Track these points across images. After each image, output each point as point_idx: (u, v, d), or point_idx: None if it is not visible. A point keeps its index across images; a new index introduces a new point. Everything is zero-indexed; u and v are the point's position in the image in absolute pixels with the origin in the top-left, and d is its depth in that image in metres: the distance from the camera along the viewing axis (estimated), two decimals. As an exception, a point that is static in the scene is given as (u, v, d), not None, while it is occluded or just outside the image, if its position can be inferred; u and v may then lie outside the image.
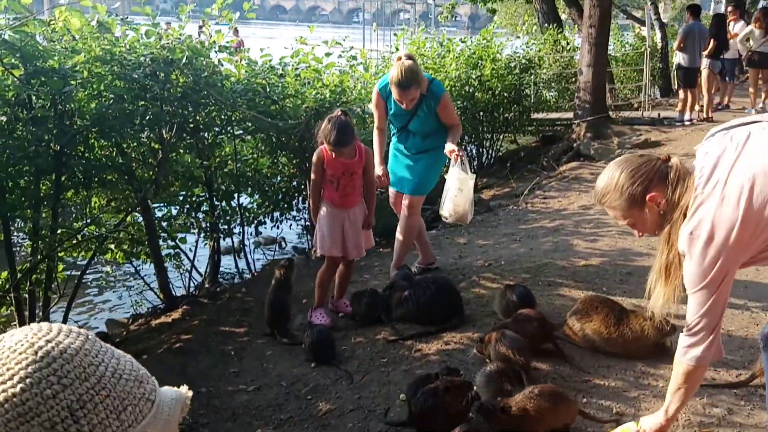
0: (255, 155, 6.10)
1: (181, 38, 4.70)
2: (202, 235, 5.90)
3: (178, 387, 1.12)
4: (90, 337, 1.01)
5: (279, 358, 3.85)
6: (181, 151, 5.27)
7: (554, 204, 6.84)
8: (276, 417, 3.24)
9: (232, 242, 6.18)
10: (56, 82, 3.86)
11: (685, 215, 1.95)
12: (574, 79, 10.58)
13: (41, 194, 4.30)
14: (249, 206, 6.21)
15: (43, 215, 4.34)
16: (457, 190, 4.17)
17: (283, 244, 7.28)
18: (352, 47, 7.10)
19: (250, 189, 6.03)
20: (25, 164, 4.04)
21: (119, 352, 1.04)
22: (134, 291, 6.08)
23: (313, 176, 4.03)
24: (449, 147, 4.17)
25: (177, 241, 5.61)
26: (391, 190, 4.61)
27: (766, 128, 1.96)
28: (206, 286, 5.83)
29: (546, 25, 13.20)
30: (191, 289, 5.75)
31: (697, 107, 10.05)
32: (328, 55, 6.16)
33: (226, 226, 5.91)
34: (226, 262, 6.38)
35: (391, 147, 4.58)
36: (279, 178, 6.32)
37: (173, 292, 5.54)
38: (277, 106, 5.53)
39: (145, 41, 4.59)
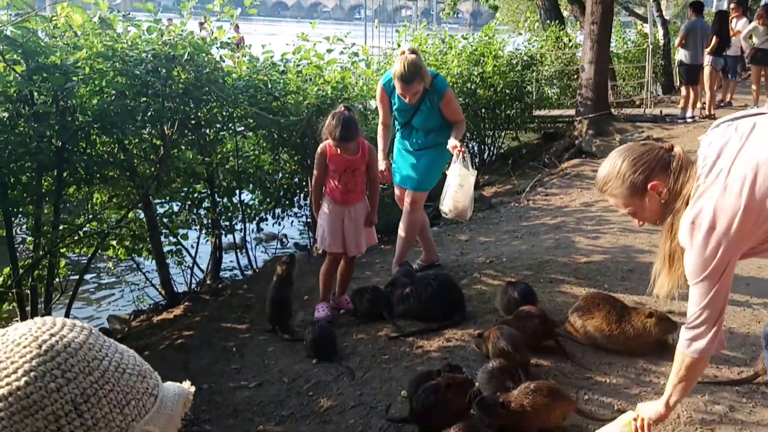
0: (256, 152, 6.09)
1: (183, 34, 4.70)
2: (204, 231, 5.90)
3: (181, 383, 1.13)
4: (93, 331, 1.01)
5: (280, 354, 3.86)
6: (183, 147, 5.26)
7: (556, 201, 6.84)
8: (277, 413, 3.24)
9: (234, 239, 6.18)
10: (58, 78, 3.85)
11: (687, 204, 1.94)
12: (576, 76, 10.56)
13: (43, 190, 4.30)
14: (250, 203, 6.20)
15: (45, 211, 4.34)
16: (458, 186, 4.18)
17: (284, 240, 7.29)
18: (354, 44, 7.08)
19: (251, 185, 6.03)
20: (26, 160, 4.04)
21: (122, 347, 1.04)
22: (136, 287, 6.08)
23: (315, 171, 4.03)
24: (452, 143, 4.18)
25: (179, 237, 5.61)
26: (396, 186, 4.62)
27: None
28: (208, 282, 5.83)
29: (548, 22, 13.18)
30: (193, 286, 5.76)
31: (699, 104, 10.04)
32: (329, 51, 6.15)
33: (227, 223, 5.91)
34: (228, 259, 6.38)
35: (396, 143, 4.59)
36: (280, 175, 6.32)
37: (175, 289, 5.54)
38: (278, 102, 5.52)
39: (146, 37, 4.59)
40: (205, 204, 5.74)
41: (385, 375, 3.37)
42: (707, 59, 9.84)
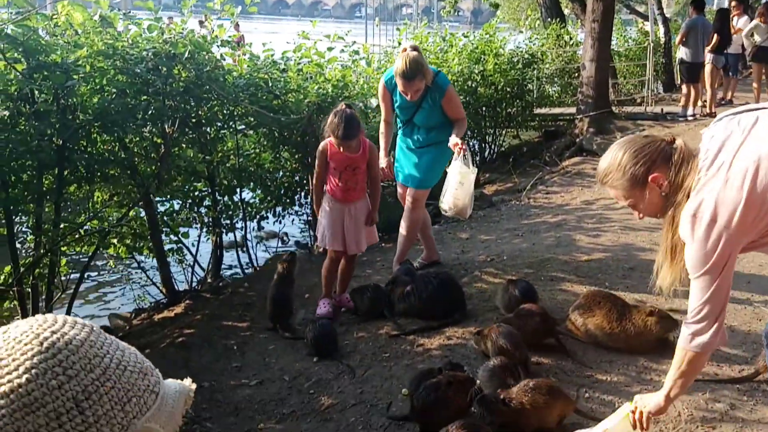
0: (257, 150, 6.09)
1: (184, 33, 4.69)
2: (205, 229, 5.90)
3: (182, 380, 1.13)
4: (95, 328, 1.01)
5: (281, 352, 3.86)
6: (184, 145, 5.26)
7: (557, 199, 6.84)
8: (278, 411, 3.24)
9: (235, 237, 6.18)
10: (59, 76, 3.85)
11: (688, 197, 1.94)
12: (576, 74, 10.55)
13: (44, 188, 4.30)
14: (251, 201, 6.20)
15: (46, 210, 4.34)
16: (458, 183, 4.18)
17: (285, 239, 7.29)
18: (355, 42, 7.08)
19: (252, 184, 6.03)
20: (27, 158, 4.04)
21: (124, 344, 1.04)
22: (137, 285, 6.08)
23: (316, 169, 4.04)
24: (453, 140, 4.18)
25: (179, 235, 5.61)
26: (399, 184, 4.63)
27: None
28: (209, 280, 5.83)
29: (549, 19, 13.16)
30: (194, 284, 5.76)
31: (700, 102, 10.02)
32: (330, 49, 6.15)
33: (228, 221, 5.91)
34: (229, 257, 6.38)
35: (398, 141, 4.59)
36: (281, 173, 6.31)
37: (176, 287, 5.54)
38: (279, 100, 5.52)
39: (147, 36, 4.58)
40: (206, 202, 5.74)
41: (385, 373, 3.38)
42: (708, 57, 9.83)
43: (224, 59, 5.27)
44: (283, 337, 4.03)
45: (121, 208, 5.07)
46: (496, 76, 9.05)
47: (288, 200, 6.38)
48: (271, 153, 6.11)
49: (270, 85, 5.51)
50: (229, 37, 5.24)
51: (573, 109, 10.02)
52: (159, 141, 4.92)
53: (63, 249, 4.67)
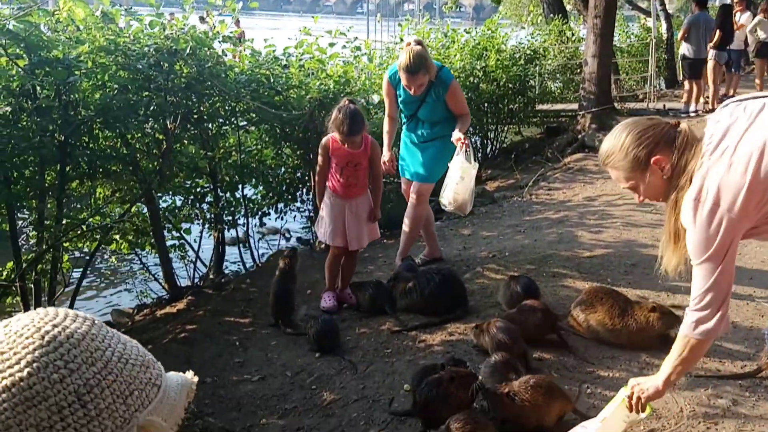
0: (259, 146, 6.09)
1: (185, 28, 4.69)
2: (207, 226, 5.90)
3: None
4: (96, 322, 1.01)
5: (283, 348, 3.87)
6: (186, 141, 5.26)
7: (559, 195, 6.83)
8: (281, 406, 3.25)
9: (237, 233, 6.18)
10: (60, 72, 3.85)
11: (691, 181, 1.92)
12: (579, 70, 10.53)
13: (46, 184, 4.31)
14: (253, 197, 6.20)
15: (48, 205, 4.34)
16: (459, 178, 4.17)
17: (287, 235, 7.29)
18: (357, 38, 7.07)
19: (254, 180, 6.03)
20: (29, 154, 4.04)
21: (125, 338, 1.04)
22: (139, 281, 6.09)
23: (319, 164, 4.04)
24: (456, 135, 4.17)
25: (182, 231, 5.61)
26: (403, 179, 4.63)
27: None
28: (211, 276, 5.84)
29: (551, 15, 13.12)
30: (196, 280, 5.76)
31: (702, 99, 10.00)
32: (332, 45, 6.13)
33: (230, 217, 5.91)
34: (231, 253, 6.39)
35: (402, 136, 4.59)
36: (283, 170, 6.31)
37: (178, 283, 5.55)
38: (281, 96, 5.52)
39: (149, 31, 4.58)
40: (208, 198, 5.75)
41: (387, 369, 3.38)
42: (711, 53, 9.80)
43: (226, 55, 5.26)
44: (285, 332, 4.03)
45: (123, 204, 5.08)
46: (498, 72, 9.04)
47: (290, 196, 6.38)
48: (273, 149, 6.11)
49: (272, 81, 5.51)
50: (230, 33, 5.23)
51: (575, 106, 10.00)
52: (161, 137, 4.92)
53: (65, 245, 4.67)
